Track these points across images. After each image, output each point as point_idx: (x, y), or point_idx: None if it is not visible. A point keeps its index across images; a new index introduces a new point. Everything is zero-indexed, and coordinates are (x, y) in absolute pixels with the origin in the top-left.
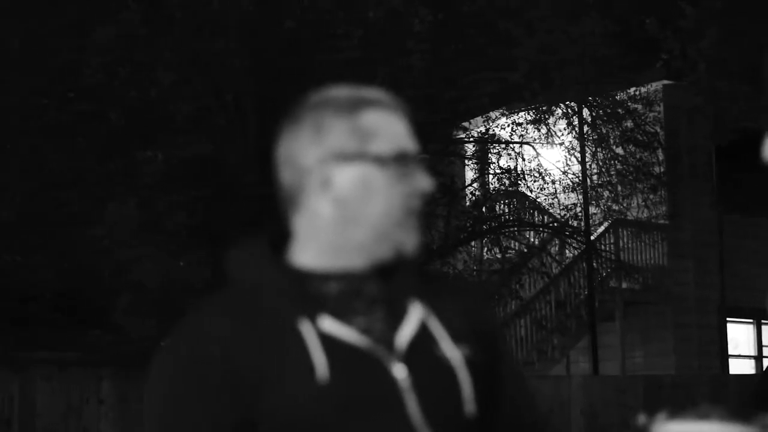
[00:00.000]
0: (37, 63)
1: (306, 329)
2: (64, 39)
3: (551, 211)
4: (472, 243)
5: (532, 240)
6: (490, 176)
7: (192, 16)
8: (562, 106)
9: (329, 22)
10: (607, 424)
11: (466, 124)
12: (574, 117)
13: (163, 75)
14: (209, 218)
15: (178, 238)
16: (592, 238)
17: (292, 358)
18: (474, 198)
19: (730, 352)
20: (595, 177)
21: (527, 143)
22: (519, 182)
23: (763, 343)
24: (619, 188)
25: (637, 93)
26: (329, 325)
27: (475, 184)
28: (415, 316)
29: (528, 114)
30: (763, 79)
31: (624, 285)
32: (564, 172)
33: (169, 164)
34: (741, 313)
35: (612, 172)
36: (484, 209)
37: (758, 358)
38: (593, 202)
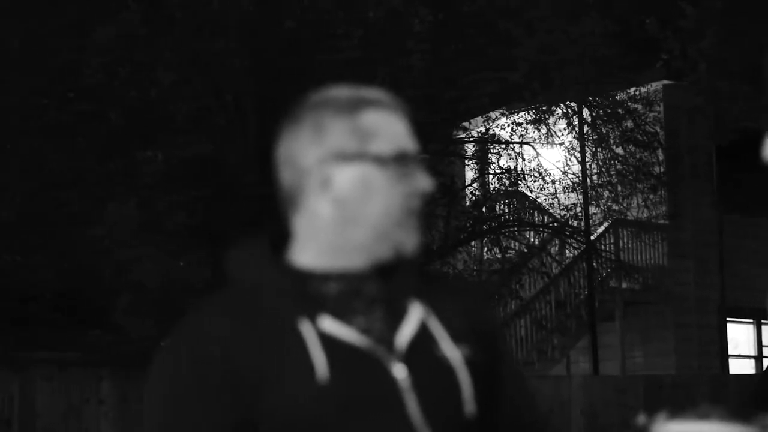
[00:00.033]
0: (37, 63)
1: (306, 329)
2: (64, 39)
3: (551, 211)
4: (472, 243)
5: (532, 240)
6: (490, 176)
7: (192, 16)
8: (562, 106)
9: (329, 22)
10: (607, 424)
11: (466, 124)
12: (574, 117)
13: (163, 75)
14: (209, 218)
15: (178, 238)
16: (592, 238)
17: (292, 358)
18: (474, 198)
19: (730, 352)
20: (595, 177)
21: (527, 143)
22: (519, 182)
23: (763, 343)
24: (619, 188)
25: (637, 93)
26: (329, 325)
27: (475, 184)
28: (415, 316)
29: (528, 114)
30: (764, 79)
31: (624, 285)
32: (564, 172)
33: (169, 164)
34: (741, 313)
35: (612, 172)
36: (484, 209)
37: (758, 358)
38: (593, 202)
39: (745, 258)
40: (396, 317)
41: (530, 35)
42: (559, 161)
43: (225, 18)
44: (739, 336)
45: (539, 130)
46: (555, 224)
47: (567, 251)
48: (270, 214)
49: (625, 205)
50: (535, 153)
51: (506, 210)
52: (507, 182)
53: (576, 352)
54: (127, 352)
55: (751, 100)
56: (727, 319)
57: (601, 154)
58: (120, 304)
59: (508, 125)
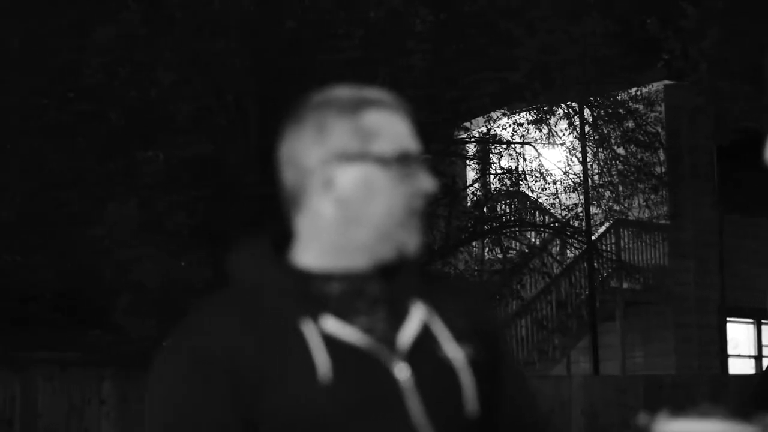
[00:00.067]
0: (37, 63)
1: (308, 329)
2: (64, 39)
3: (552, 211)
4: (474, 243)
5: (533, 240)
6: (492, 176)
7: (192, 16)
8: (563, 106)
9: (330, 22)
10: (608, 424)
11: (467, 124)
12: (575, 117)
13: (163, 75)
14: (210, 218)
15: (179, 238)
16: (593, 238)
17: (294, 358)
18: (475, 198)
19: (731, 352)
20: (596, 177)
21: (528, 143)
22: (520, 182)
23: (763, 343)
24: (621, 188)
25: (638, 93)
26: (331, 325)
27: (476, 185)
28: (417, 316)
29: (529, 114)
30: (765, 79)
31: (625, 285)
32: (565, 173)
33: (169, 164)
34: (741, 313)
35: (613, 173)
36: (485, 209)
37: (758, 358)
38: (594, 202)
39: (746, 258)
40: (398, 317)
41: (531, 35)
42: (560, 161)
43: (226, 18)
44: (739, 336)
45: (540, 131)
46: (556, 224)
47: (568, 251)
48: (271, 214)
49: (626, 205)
50: (536, 153)
51: (507, 210)
52: (508, 182)
53: (577, 352)
54: (128, 352)
55: (752, 100)
56: (727, 319)
57: (602, 155)
58: (120, 304)
59: (510, 125)
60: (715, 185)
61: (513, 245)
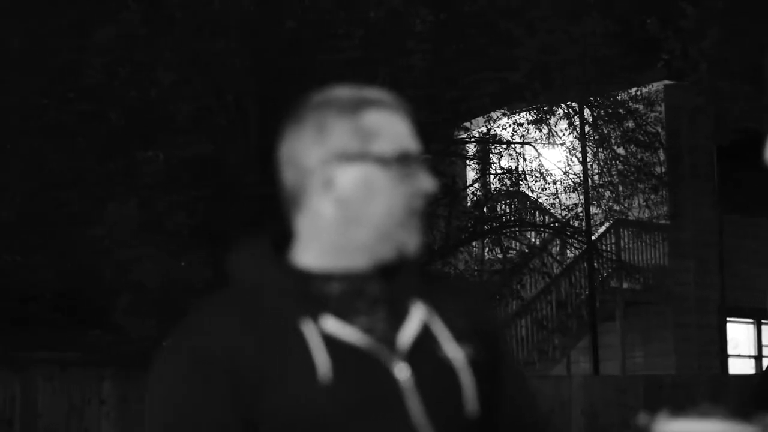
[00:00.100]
0: (37, 63)
1: (308, 329)
2: (64, 39)
3: (552, 211)
4: (473, 243)
5: (533, 240)
6: (492, 176)
7: (192, 16)
8: (563, 106)
9: (330, 22)
10: (608, 424)
11: (467, 124)
12: (575, 117)
13: (163, 75)
14: (210, 218)
15: (179, 238)
16: (593, 238)
17: (294, 358)
18: (475, 198)
19: (731, 351)
20: (596, 177)
21: (528, 143)
22: (520, 182)
23: (763, 343)
24: (621, 188)
25: (638, 93)
26: (331, 325)
27: (476, 185)
28: (417, 316)
29: (529, 114)
30: (765, 79)
31: (625, 285)
32: (565, 173)
33: (169, 164)
34: (741, 312)
35: (613, 173)
36: (485, 209)
37: (758, 358)
38: (594, 202)
39: (745, 258)
40: (398, 317)
41: (531, 35)
42: (560, 161)
43: (226, 18)
44: (739, 336)
45: (540, 131)
46: (556, 224)
47: (568, 251)
48: (271, 214)
49: (626, 205)
50: (536, 153)
51: (507, 210)
52: (508, 182)
53: (576, 352)
54: (128, 352)
55: (752, 100)
56: (727, 319)
57: (602, 155)
58: (120, 304)
59: (510, 125)
60: (715, 185)
61: (513, 245)
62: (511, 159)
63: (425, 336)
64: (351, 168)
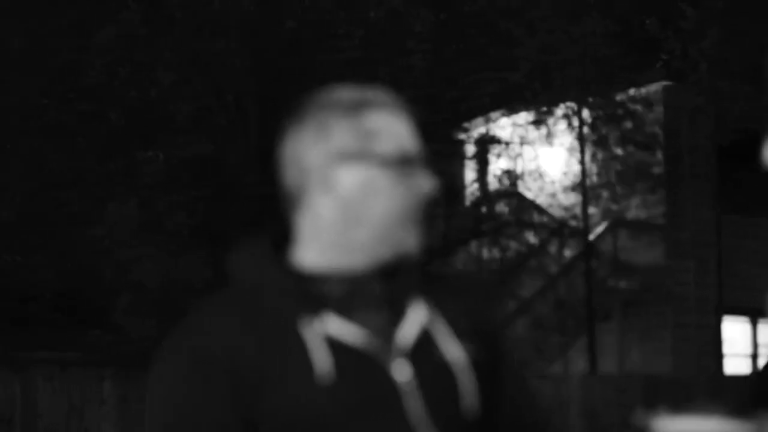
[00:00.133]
0: (37, 63)
1: (308, 330)
2: (64, 39)
3: (550, 211)
4: (472, 243)
5: (531, 240)
6: (490, 177)
7: (192, 16)
8: (562, 106)
9: (330, 22)
10: (607, 423)
11: (467, 124)
12: (574, 118)
13: (163, 75)
14: (210, 218)
15: (179, 238)
16: (591, 238)
17: (294, 358)
18: (474, 198)
19: (729, 351)
20: (594, 177)
21: (527, 144)
22: (519, 183)
23: (762, 342)
24: (618, 189)
25: (637, 93)
26: (332, 325)
27: (475, 185)
28: (417, 316)
29: (529, 114)
30: (765, 79)
31: (623, 285)
32: (564, 173)
33: (169, 164)
34: (740, 312)
35: (612, 173)
36: (484, 209)
37: (756, 357)
38: (593, 201)
39: (745, 258)
40: (399, 317)
41: (531, 35)
42: (559, 161)
43: (226, 18)
44: (738, 336)
45: (539, 131)
46: (554, 224)
47: (566, 251)
48: (271, 214)
49: (624, 205)
50: (535, 153)
51: (506, 210)
52: (507, 183)
53: (574, 352)
54: (128, 352)
55: (752, 100)
56: (726, 318)
57: (601, 155)
58: (120, 304)
59: (509, 125)
60: (714, 185)
61: (511, 245)
62: (511, 159)
63: (425, 336)
64: (352, 168)
